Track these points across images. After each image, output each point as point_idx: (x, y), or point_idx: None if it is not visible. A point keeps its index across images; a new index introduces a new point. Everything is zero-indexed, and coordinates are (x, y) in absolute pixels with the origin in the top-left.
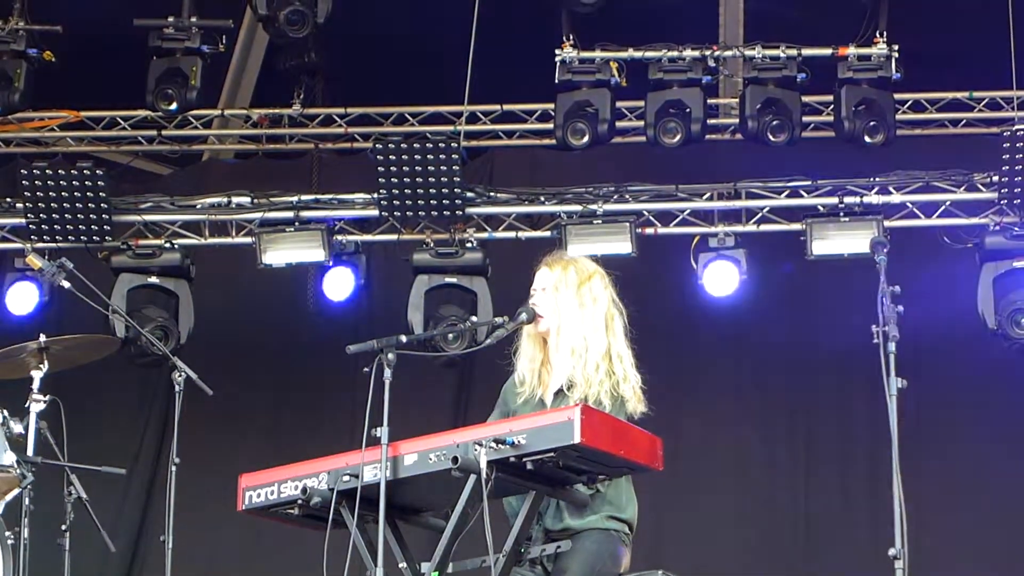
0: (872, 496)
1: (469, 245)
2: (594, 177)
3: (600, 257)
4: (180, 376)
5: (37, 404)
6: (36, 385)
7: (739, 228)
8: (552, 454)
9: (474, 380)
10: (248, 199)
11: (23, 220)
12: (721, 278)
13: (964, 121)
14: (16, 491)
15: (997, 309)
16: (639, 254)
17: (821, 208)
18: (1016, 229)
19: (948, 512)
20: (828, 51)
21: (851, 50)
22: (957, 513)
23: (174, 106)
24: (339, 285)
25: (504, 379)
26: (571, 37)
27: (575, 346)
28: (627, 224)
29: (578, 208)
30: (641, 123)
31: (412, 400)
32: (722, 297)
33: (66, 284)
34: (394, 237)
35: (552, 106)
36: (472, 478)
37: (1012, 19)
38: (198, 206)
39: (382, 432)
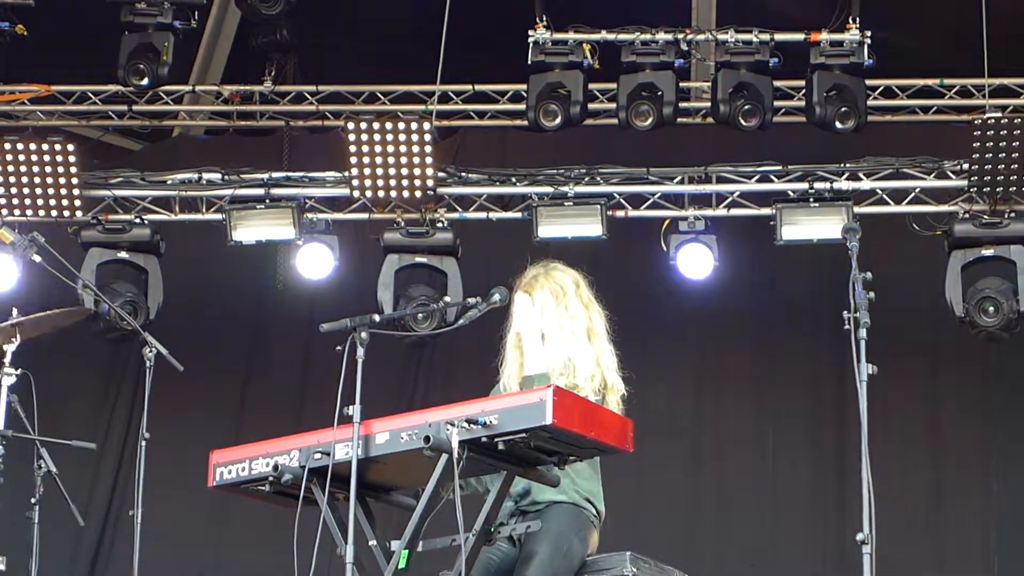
0: (839, 479)
1: (440, 225)
2: (565, 159)
3: (571, 239)
4: (151, 352)
5: (8, 377)
6: (7, 359)
7: (709, 212)
8: (524, 435)
9: (433, 362)
10: (218, 175)
11: None
12: (696, 261)
13: (935, 108)
14: None
15: (965, 297)
16: (609, 236)
17: (791, 193)
18: (985, 217)
19: (911, 496)
20: (800, 36)
21: (823, 35)
22: (919, 495)
23: (145, 81)
24: (315, 263)
25: (463, 359)
26: (544, 18)
27: (563, 369)
28: (598, 206)
29: (549, 189)
30: (613, 105)
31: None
32: (693, 280)
33: (37, 258)
34: (364, 216)
35: (524, 87)
36: (443, 458)
37: (984, 6)
38: (168, 182)
39: (354, 410)
